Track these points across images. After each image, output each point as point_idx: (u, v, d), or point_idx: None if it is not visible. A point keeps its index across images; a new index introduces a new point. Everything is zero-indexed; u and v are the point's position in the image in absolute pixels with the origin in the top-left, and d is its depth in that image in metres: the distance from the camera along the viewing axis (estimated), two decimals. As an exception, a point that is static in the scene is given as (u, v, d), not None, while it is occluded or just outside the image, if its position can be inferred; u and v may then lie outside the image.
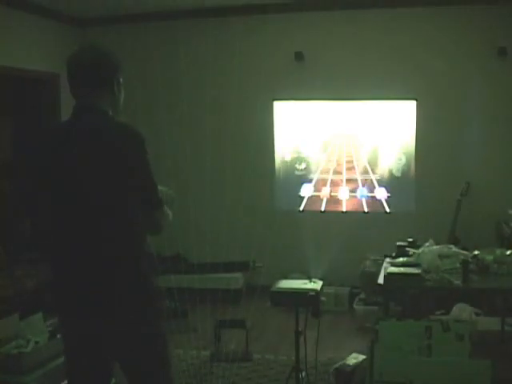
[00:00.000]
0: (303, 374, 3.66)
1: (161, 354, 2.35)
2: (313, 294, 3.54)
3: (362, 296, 5.48)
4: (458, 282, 3.71)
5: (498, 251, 4.04)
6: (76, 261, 2.21)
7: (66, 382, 2.42)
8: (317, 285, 3.65)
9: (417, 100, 5.87)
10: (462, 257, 3.91)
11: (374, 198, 6.08)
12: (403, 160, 6.01)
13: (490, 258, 3.97)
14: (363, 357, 3.78)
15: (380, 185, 6.06)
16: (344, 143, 6.10)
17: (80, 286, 2.21)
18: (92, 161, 2.17)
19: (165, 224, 2.33)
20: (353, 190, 6.13)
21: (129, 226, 2.23)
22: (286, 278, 4.17)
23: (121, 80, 2.36)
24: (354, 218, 6.09)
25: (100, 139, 2.18)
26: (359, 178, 6.09)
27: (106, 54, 2.30)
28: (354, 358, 3.88)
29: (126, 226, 2.23)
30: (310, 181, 6.20)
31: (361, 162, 6.08)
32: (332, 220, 6.13)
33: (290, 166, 6.27)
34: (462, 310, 4.60)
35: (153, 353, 2.31)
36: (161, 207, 2.29)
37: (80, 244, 2.21)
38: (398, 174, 6.04)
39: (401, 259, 4.15)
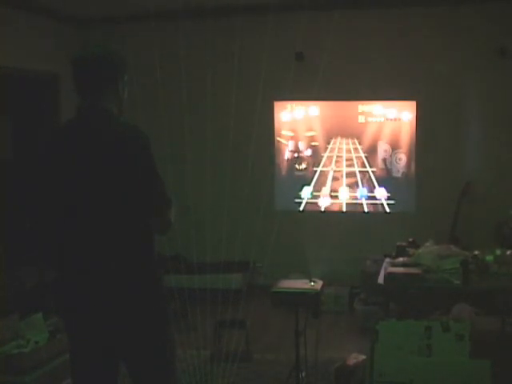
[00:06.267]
0: (303, 373, 3.66)
1: (169, 357, 2.35)
2: (313, 294, 3.54)
3: (362, 296, 5.47)
4: (458, 282, 3.71)
5: (498, 251, 4.05)
6: (86, 263, 2.20)
7: (66, 382, 2.42)
8: (317, 285, 3.65)
9: (417, 100, 5.88)
10: (462, 257, 3.91)
11: (374, 197, 6.08)
12: (403, 160, 6.01)
13: (490, 258, 3.97)
14: (363, 357, 3.78)
15: (380, 185, 6.06)
16: (344, 143, 6.10)
17: (91, 288, 2.19)
18: (99, 161, 2.16)
19: (172, 223, 2.31)
20: (353, 190, 6.13)
21: (138, 226, 2.22)
22: (286, 278, 4.16)
23: (125, 80, 2.35)
24: (354, 218, 6.09)
25: (106, 140, 2.17)
26: (359, 177, 6.09)
27: (113, 53, 2.30)
28: (354, 358, 3.87)
29: (135, 226, 2.21)
30: (310, 181, 6.21)
31: (361, 162, 6.08)
32: (332, 220, 6.13)
33: (290, 166, 6.27)
34: (462, 310, 4.59)
35: (162, 356, 2.30)
36: (170, 207, 2.27)
37: (90, 246, 2.20)
38: (397, 174, 6.04)
39: (401, 259, 4.15)
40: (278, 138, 6.27)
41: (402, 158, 6.01)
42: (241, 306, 4.87)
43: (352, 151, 6.08)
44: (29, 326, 3.59)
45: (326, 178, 6.16)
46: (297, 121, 6.21)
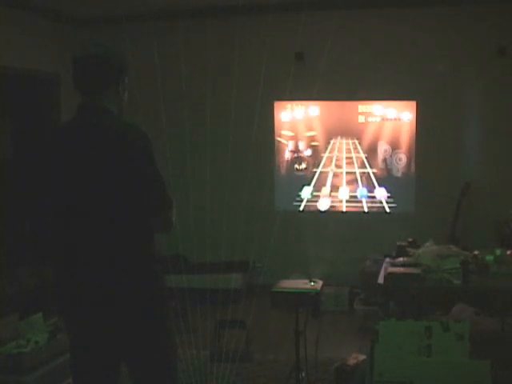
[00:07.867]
0: (303, 373, 3.66)
1: (169, 356, 2.35)
2: (313, 294, 3.54)
3: (362, 296, 5.47)
4: (458, 282, 3.71)
5: (498, 251, 4.05)
6: (87, 262, 2.20)
7: (66, 382, 2.42)
8: (317, 285, 3.65)
9: (417, 100, 5.88)
10: (462, 257, 3.91)
11: (373, 197, 6.08)
12: (403, 160, 6.01)
13: (490, 258, 3.97)
14: (363, 357, 3.78)
15: (380, 185, 6.06)
16: (344, 143, 6.10)
17: (91, 287, 2.19)
18: (99, 161, 2.17)
19: (173, 223, 2.31)
20: (353, 190, 6.13)
21: (139, 226, 2.22)
22: (286, 278, 4.16)
23: (126, 80, 2.35)
24: (354, 218, 6.09)
25: (107, 139, 2.17)
26: (359, 177, 6.09)
27: (113, 53, 2.29)
28: (354, 358, 3.87)
29: (135, 226, 2.22)
30: (310, 181, 6.21)
31: (361, 162, 6.08)
32: (332, 220, 6.13)
33: (290, 166, 6.27)
34: (462, 310, 4.60)
35: (162, 355, 2.30)
36: (171, 206, 2.27)
37: (90, 245, 2.20)
38: (397, 173, 6.04)
39: (401, 259, 4.15)
40: (278, 138, 6.27)
41: (402, 158, 6.01)
42: (241, 306, 4.87)
43: (352, 151, 6.08)
44: (29, 325, 3.59)
45: (326, 178, 6.16)
46: (297, 121, 6.21)
